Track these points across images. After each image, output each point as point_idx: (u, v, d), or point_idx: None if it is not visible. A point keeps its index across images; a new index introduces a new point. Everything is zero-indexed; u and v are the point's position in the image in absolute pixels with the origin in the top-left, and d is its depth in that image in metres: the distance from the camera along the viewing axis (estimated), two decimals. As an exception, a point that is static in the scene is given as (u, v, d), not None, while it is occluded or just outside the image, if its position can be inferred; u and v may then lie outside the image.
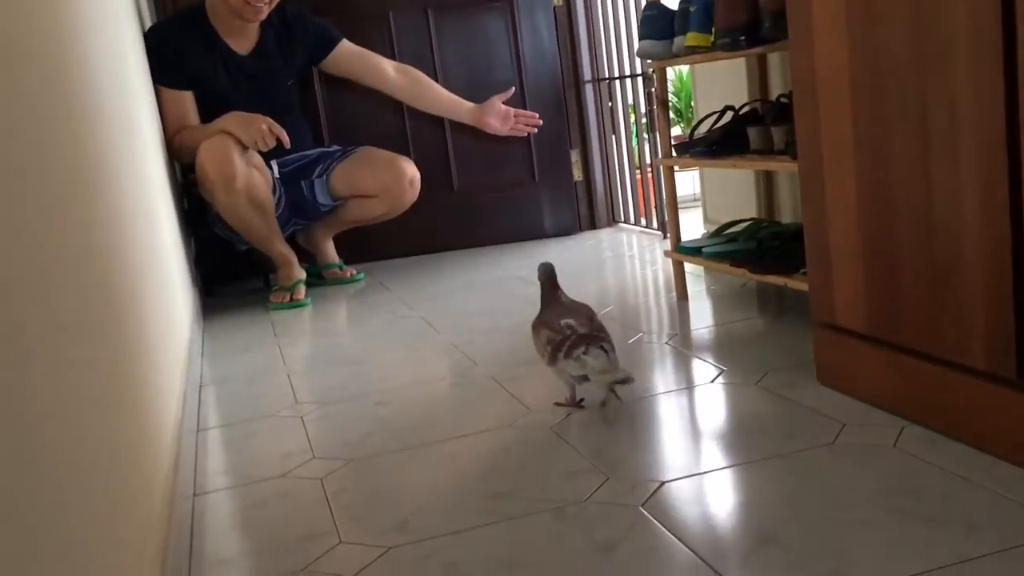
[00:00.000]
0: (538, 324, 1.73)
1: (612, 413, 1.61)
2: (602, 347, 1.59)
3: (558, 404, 1.67)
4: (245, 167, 2.86)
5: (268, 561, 1.20)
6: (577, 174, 3.78)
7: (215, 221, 3.03)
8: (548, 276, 1.77)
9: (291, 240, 3.17)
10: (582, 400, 1.66)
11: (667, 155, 2.33)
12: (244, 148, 2.86)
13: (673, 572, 1.05)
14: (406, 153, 3.45)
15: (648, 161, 3.58)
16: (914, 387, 1.37)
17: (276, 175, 3.07)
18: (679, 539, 1.12)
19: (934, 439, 1.32)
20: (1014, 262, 1.16)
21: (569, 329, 1.63)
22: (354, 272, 3.30)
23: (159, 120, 2.85)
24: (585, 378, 1.59)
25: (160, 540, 1.08)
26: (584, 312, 1.70)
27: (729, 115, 2.22)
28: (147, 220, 1.79)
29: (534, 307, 1.74)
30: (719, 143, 2.16)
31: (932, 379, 1.33)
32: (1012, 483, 1.15)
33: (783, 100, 2.07)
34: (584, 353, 1.57)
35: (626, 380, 1.57)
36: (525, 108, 3.41)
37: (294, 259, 3.04)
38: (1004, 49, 1.12)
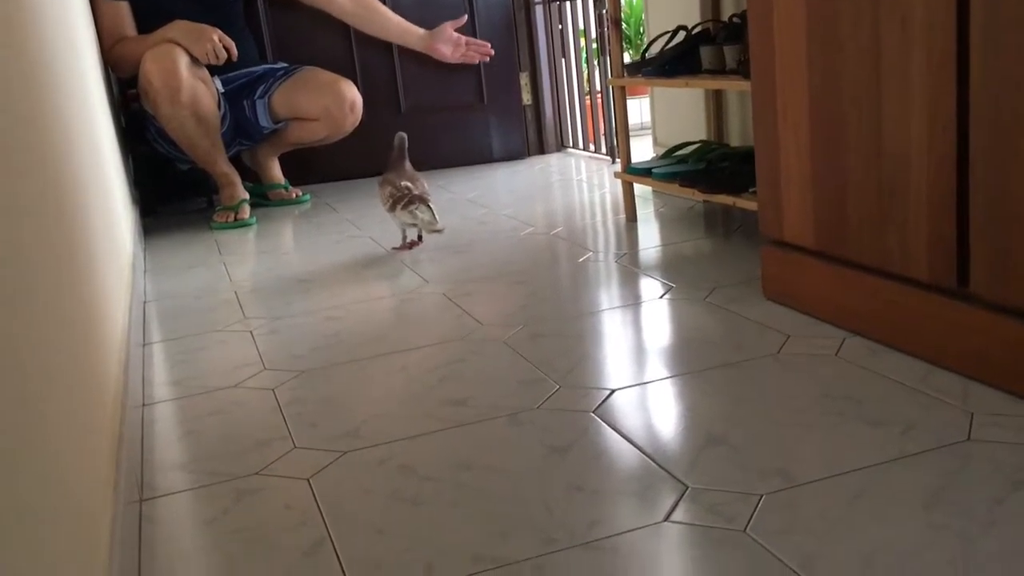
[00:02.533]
0: (384, 181, 2.33)
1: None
2: (428, 205, 2.24)
3: (395, 248, 2.35)
4: (192, 79, 2.78)
5: (222, 465, 1.20)
6: (526, 98, 3.75)
7: (156, 137, 2.95)
8: (400, 145, 2.36)
9: (235, 160, 3.11)
10: (411, 243, 2.35)
11: (619, 75, 2.32)
12: (192, 59, 2.77)
13: (624, 472, 1.08)
14: (352, 74, 3.38)
15: (598, 87, 3.56)
16: (858, 299, 1.41)
17: (221, 90, 2.99)
18: (630, 441, 1.15)
19: (875, 349, 1.36)
20: (958, 177, 1.19)
21: (407, 189, 2.27)
22: (300, 193, 3.25)
23: (95, 33, 2.75)
24: (414, 225, 2.28)
25: (112, 446, 1.07)
26: (419, 179, 2.34)
27: (681, 35, 2.22)
28: (89, 134, 1.74)
29: (484, 227, 1.76)
30: (671, 62, 2.16)
31: (875, 291, 1.37)
32: (948, 388, 1.20)
33: (735, 20, 2.06)
34: (416, 208, 2.22)
35: (439, 230, 2.27)
36: (475, 29, 3.36)
37: (237, 179, 2.98)
38: (958, -39, 1.13)
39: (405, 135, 2.38)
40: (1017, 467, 0.99)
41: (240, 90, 3.05)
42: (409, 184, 2.28)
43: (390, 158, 2.37)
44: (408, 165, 2.35)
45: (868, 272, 1.38)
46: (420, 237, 2.37)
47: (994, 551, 0.84)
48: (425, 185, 2.33)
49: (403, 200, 2.24)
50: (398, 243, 2.36)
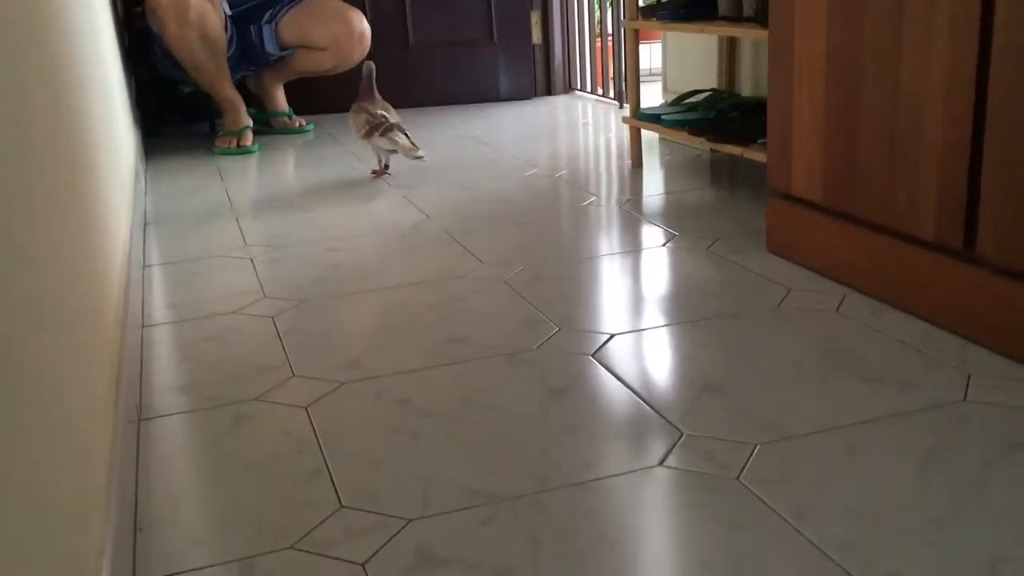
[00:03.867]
0: (358, 108, 2.39)
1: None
2: (405, 133, 2.34)
3: (374, 172, 2.44)
4: (200, 0, 2.73)
5: (220, 390, 1.21)
6: (536, 37, 3.70)
7: (161, 58, 2.91)
8: (369, 75, 2.42)
9: (241, 86, 3.07)
10: (387, 168, 2.44)
11: (634, 17, 2.29)
12: None
13: (620, 416, 1.08)
14: (360, 4, 3.32)
15: (609, 29, 3.50)
16: (862, 256, 1.41)
17: (228, 13, 2.94)
18: (627, 386, 1.16)
19: (876, 306, 1.36)
20: (972, 138, 1.18)
21: (383, 117, 2.34)
22: (304, 123, 3.22)
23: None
24: (393, 151, 2.34)
25: (113, 365, 1.07)
26: (391, 109, 2.40)
27: (699, -20, 2.17)
28: (93, 50, 1.71)
29: (489, 166, 1.75)
30: (687, 7, 2.12)
31: (880, 249, 1.36)
32: (947, 348, 1.21)
33: (756, -33, 2.02)
34: (394, 135, 2.31)
35: (420, 157, 2.30)
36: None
37: (241, 104, 2.95)
38: (991, -85, 1.10)
39: (373, 65, 2.44)
40: (1011, 429, 1.00)
41: (248, 14, 3.00)
42: (384, 112, 2.36)
43: (359, 87, 2.42)
44: (378, 95, 2.41)
45: (874, 229, 1.38)
46: (386, 166, 2.46)
47: (983, 510, 0.85)
48: (397, 115, 2.41)
49: (380, 127, 2.32)
50: (376, 167, 2.47)
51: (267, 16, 3.00)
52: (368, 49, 3.08)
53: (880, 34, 1.30)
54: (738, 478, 0.93)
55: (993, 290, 1.17)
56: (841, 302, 1.39)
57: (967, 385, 1.10)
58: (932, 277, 1.27)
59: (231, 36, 2.93)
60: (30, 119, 0.82)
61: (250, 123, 2.95)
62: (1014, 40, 1.09)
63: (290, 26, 3.01)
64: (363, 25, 3.04)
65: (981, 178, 1.17)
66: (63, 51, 1.21)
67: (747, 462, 0.96)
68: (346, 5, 3.06)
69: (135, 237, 1.71)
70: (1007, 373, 1.13)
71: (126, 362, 1.14)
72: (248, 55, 3.04)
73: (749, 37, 1.95)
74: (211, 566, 0.84)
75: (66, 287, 0.85)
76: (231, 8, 2.96)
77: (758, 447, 0.99)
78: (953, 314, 1.24)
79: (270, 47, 3.02)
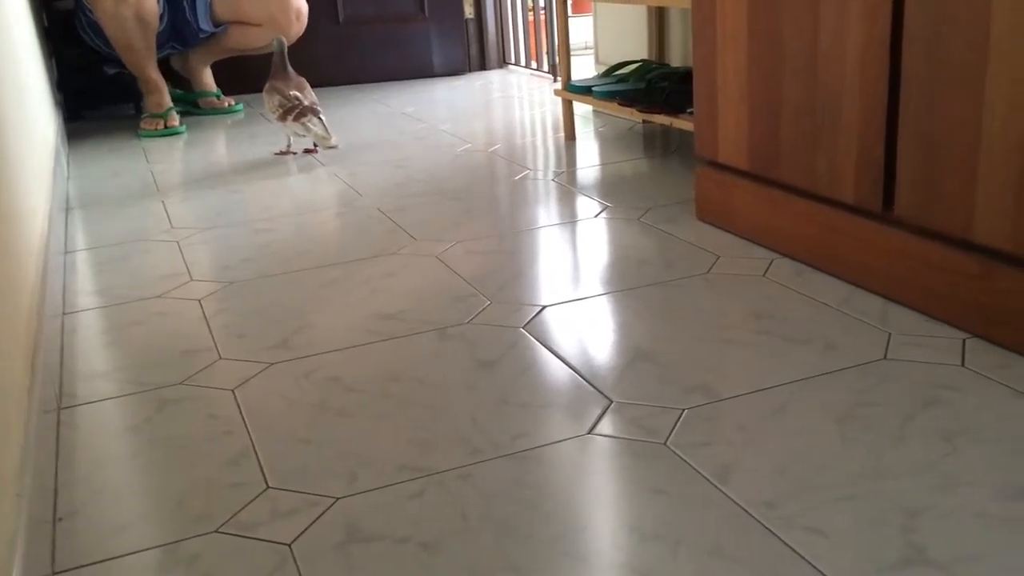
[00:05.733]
0: (271, 88, 2.33)
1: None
2: (320, 118, 2.28)
3: (278, 152, 2.42)
4: None
5: (144, 375, 1.18)
6: (468, 11, 3.67)
7: (87, 28, 2.82)
8: (280, 50, 2.35)
9: (163, 64, 2.99)
10: (292, 149, 2.42)
11: (561, -11, 2.28)
12: None
13: (551, 386, 1.08)
14: (289, -23, 3.25)
15: (541, 4, 3.49)
16: (787, 222, 1.42)
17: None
18: (558, 357, 1.16)
19: (801, 270, 1.38)
20: (889, 100, 1.20)
21: (297, 100, 2.28)
22: (232, 102, 3.16)
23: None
24: (304, 136, 2.31)
25: (27, 352, 1.04)
26: (306, 87, 2.33)
27: (626, -50, 2.17)
28: (1, 28, 1.65)
29: (421, 142, 1.73)
30: (614, -22, 2.12)
31: (804, 214, 1.38)
32: (868, 309, 1.23)
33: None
34: (307, 121, 2.26)
35: (334, 146, 2.31)
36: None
37: (164, 86, 2.88)
38: None
39: (284, 40, 2.38)
40: (929, 385, 1.02)
41: (178, -12, 2.92)
42: (298, 94, 2.30)
43: (271, 64, 2.36)
44: (291, 71, 2.35)
45: (798, 194, 1.40)
46: (316, 145, 2.41)
47: (902, 464, 0.87)
48: (313, 94, 2.35)
49: (294, 111, 2.27)
50: (282, 147, 2.45)
51: None
52: (304, 27, 3.02)
53: (797, 3, 1.31)
54: (665, 443, 0.94)
55: (911, 250, 1.20)
56: (768, 267, 1.41)
57: (887, 344, 1.13)
58: (853, 239, 1.29)
59: (162, 12, 2.85)
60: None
61: (172, 104, 2.89)
62: (925, 6, 1.11)
63: (225, 1, 2.94)
64: (300, 2, 2.98)
65: (897, 142, 1.19)
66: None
67: (674, 426, 0.97)
68: None
69: (54, 222, 1.66)
70: (926, 331, 1.15)
71: (43, 350, 1.11)
72: (178, 32, 2.96)
73: (675, 6, 1.96)
74: (134, 553, 0.83)
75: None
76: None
77: (685, 411, 1.00)
78: (874, 275, 1.27)
79: (204, 23, 2.95)
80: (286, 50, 2.37)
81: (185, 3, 2.91)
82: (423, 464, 0.93)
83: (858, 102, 1.24)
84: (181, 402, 1.11)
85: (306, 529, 0.84)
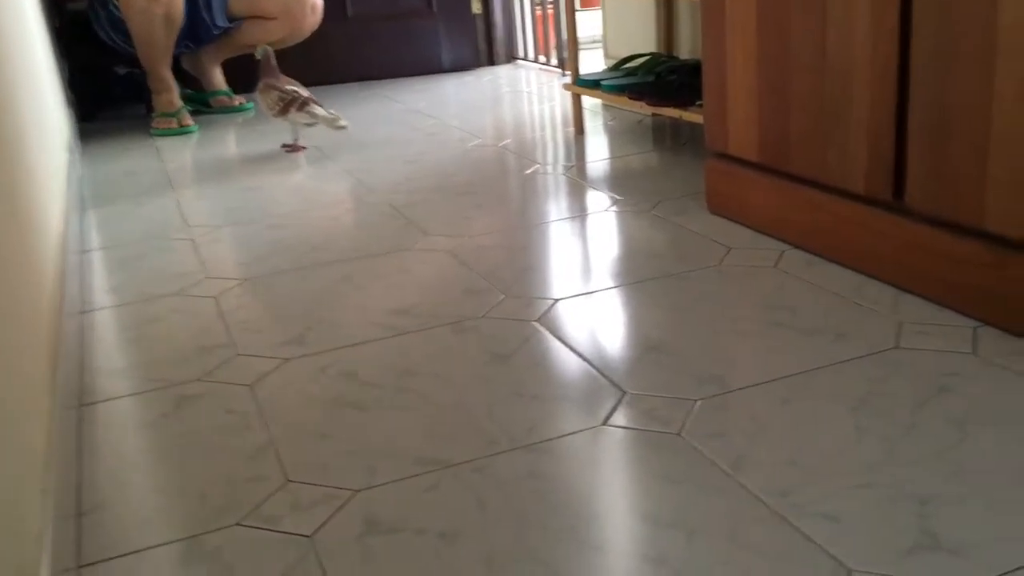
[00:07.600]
0: (265, 87, 2.37)
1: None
2: (319, 105, 2.35)
3: (285, 146, 2.44)
4: None
5: (163, 371, 1.20)
6: (476, 7, 3.67)
7: (106, 25, 2.83)
8: (266, 57, 2.39)
9: (174, 64, 3.01)
10: (299, 144, 2.42)
11: (570, -17, 2.28)
12: None
13: (564, 378, 1.09)
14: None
15: (549, -4, 3.49)
16: (797, 212, 1.43)
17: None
18: (571, 349, 1.17)
19: (812, 260, 1.39)
20: (898, 90, 1.20)
21: (295, 92, 2.33)
22: (243, 101, 3.17)
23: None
24: (313, 124, 2.35)
25: (48, 351, 1.06)
26: (299, 84, 2.38)
27: (634, -57, 2.17)
28: (18, 32, 1.66)
29: (432, 138, 1.74)
30: (622, -28, 2.12)
31: (814, 204, 1.39)
32: (879, 298, 1.23)
33: (688, -72, 2.03)
34: (312, 108, 2.31)
35: (343, 126, 2.34)
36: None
37: (175, 85, 2.90)
38: None
39: (270, 48, 2.43)
40: (940, 373, 1.03)
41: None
42: (294, 88, 2.34)
43: (260, 69, 2.39)
44: (281, 75, 2.40)
45: (808, 185, 1.40)
46: (297, 139, 2.45)
47: (914, 451, 0.88)
48: (306, 92, 2.39)
49: (296, 102, 2.31)
50: (290, 141, 2.45)
51: None
52: (319, 22, 3.03)
53: (808, -9, 1.31)
54: (679, 433, 0.95)
55: (921, 239, 1.20)
56: (779, 258, 1.41)
57: (899, 333, 1.13)
58: (864, 229, 1.30)
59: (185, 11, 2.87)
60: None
61: (183, 103, 2.90)
62: (935, -7, 1.11)
63: None
64: None
65: (907, 132, 1.19)
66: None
67: (688, 417, 0.98)
68: None
69: (70, 222, 1.67)
70: (936, 319, 1.16)
71: (63, 348, 1.12)
72: (193, 30, 2.97)
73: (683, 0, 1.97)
74: (158, 546, 0.84)
75: (-7, 273, 0.83)
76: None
77: (698, 402, 1.01)
78: (885, 264, 1.27)
79: (219, 18, 2.96)
80: (273, 56, 2.41)
81: (201, 1, 2.93)
82: (440, 456, 0.95)
83: (868, 92, 1.24)
84: (200, 398, 1.12)
85: (326, 522, 0.85)
